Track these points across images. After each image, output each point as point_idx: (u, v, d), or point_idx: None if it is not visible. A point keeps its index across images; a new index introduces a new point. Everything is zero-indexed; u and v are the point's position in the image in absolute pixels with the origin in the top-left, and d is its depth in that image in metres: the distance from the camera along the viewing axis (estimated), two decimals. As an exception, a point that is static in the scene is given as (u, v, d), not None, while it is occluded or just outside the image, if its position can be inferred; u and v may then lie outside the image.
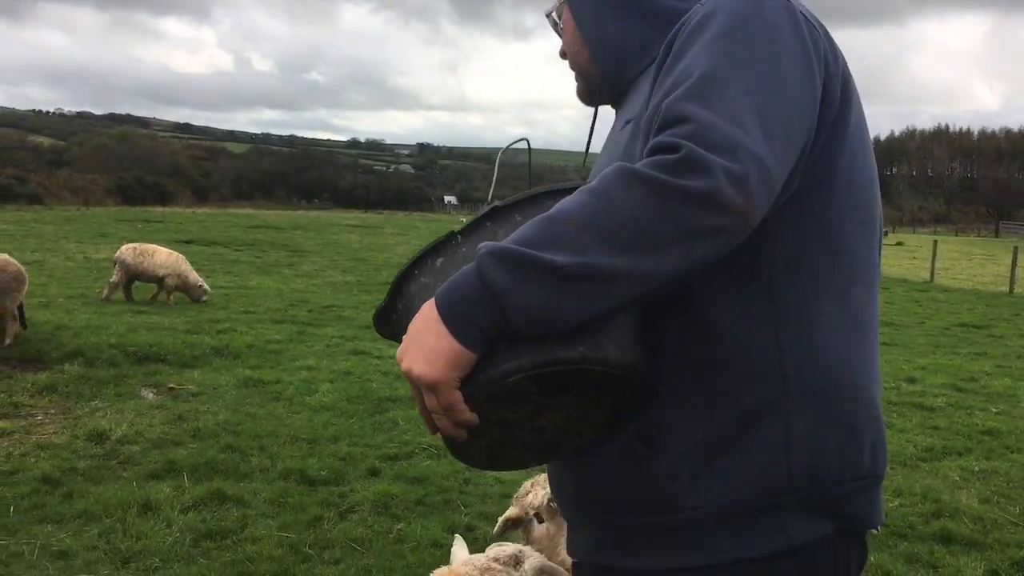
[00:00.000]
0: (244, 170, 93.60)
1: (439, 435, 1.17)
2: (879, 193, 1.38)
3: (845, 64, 1.28)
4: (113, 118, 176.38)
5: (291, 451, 5.67)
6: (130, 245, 12.24)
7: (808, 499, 1.21)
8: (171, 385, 7.27)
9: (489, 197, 1.33)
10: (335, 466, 5.41)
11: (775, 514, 1.20)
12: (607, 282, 1.05)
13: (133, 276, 11.91)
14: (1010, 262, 22.40)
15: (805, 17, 1.23)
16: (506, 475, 5.40)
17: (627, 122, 1.37)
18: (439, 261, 1.20)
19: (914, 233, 69.03)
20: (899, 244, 44.96)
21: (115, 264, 11.85)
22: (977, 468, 6.02)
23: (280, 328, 10.26)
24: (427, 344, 1.08)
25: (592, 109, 1.56)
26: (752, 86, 1.12)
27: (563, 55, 1.56)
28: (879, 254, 1.38)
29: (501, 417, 1.15)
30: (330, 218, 45.37)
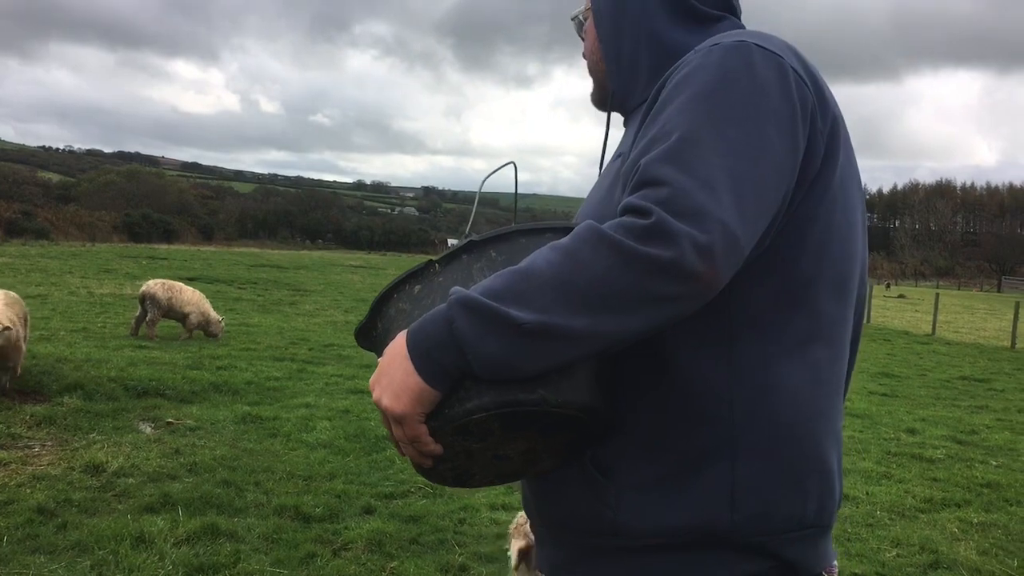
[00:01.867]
0: (250, 209, 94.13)
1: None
2: (864, 246, 1.38)
3: (835, 115, 1.28)
4: (122, 156, 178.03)
5: (286, 487, 5.66)
6: (157, 281, 12.36)
7: (748, 543, 1.23)
8: (169, 419, 7.26)
9: (468, 229, 1.37)
10: (330, 503, 5.38)
11: (716, 551, 1.23)
12: (566, 340, 1.09)
13: (164, 312, 11.98)
14: (1012, 317, 22.39)
15: (796, 72, 1.23)
16: (502, 516, 5.37)
17: (618, 156, 1.41)
18: (417, 288, 1.25)
19: (916, 286, 69.06)
20: (901, 296, 44.96)
21: (144, 300, 11.93)
22: (976, 520, 5.98)
23: (280, 366, 10.27)
24: (396, 378, 1.14)
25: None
26: (730, 150, 1.13)
27: (585, 57, 1.59)
28: (860, 310, 1.40)
29: (466, 447, 1.21)
30: (333, 258, 45.54)
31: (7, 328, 7.10)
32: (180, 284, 12.57)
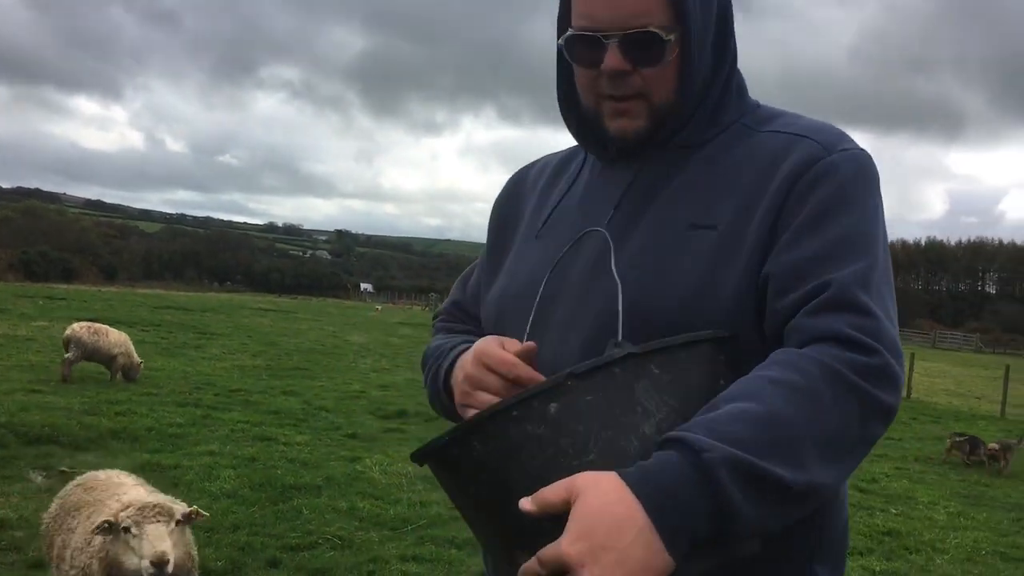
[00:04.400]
0: (155, 249, 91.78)
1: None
2: None
3: None
4: (21, 192, 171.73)
5: (187, 540, 5.42)
6: (83, 324, 11.88)
7: None
8: (63, 468, 6.91)
9: (619, 334, 1.09)
10: (233, 556, 5.18)
11: None
12: (817, 498, 1.00)
13: (88, 355, 11.49)
14: (907, 367, 23.17)
15: None
16: (412, 568, 5.26)
17: (695, 226, 1.22)
18: (553, 407, 1.00)
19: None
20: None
21: (68, 343, 11.41)
22: (878, 568, 6.12)
23: (183, 411, 9.92)
24: (634, 557, 0.90)
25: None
26: (889, 278, 1.16)
27: (625, 71, 1.23)
28: None
29: None
30: (242, 300, 44.59)
31: None
32: (105, 327, 12.12)
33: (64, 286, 42.87)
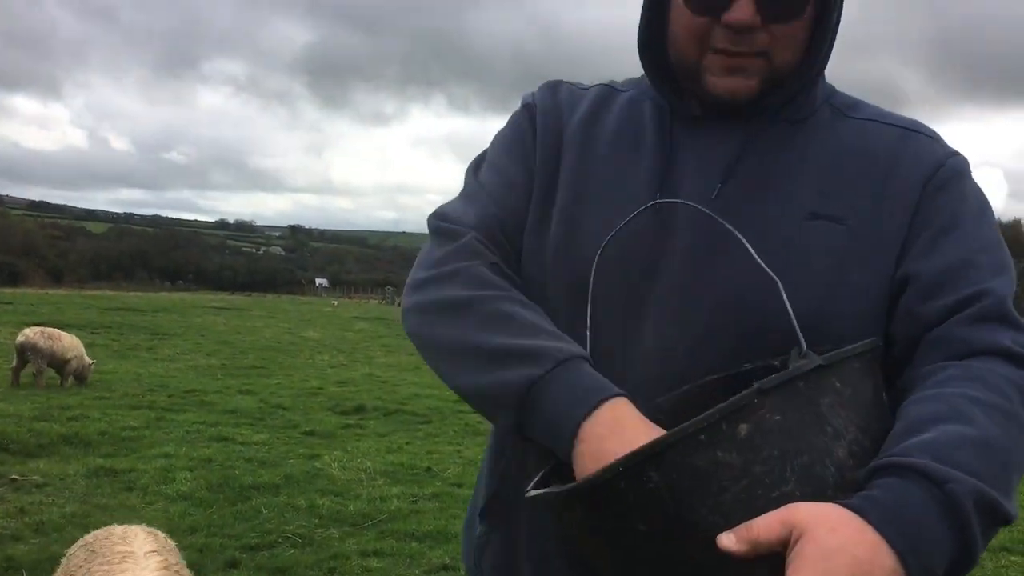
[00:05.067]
0: (103, 250, 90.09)
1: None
2: None
3: None
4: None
5: (144, 544, 5.36)
6: (35, 329, 11.60)
7: None
8: (13, 476, 6.78)
9: (803, 345, 0.97)
10: (191, 559, 5.12)
11: None
12: None
13: (48, 360, 11.24)
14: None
15: None
16: (373, 563, 5.26)
17: (816, 215, 1.12)
18: (743, 429, 0.86)
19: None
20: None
21: (24, 350, 11.14)
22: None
23: (137, 414, 9.77)
24: None
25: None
26: None
27: (753, 27, 1.08)
28: None
29: None
30: (195, 300, 43.97)
31: None
32: (57, 330, 11.89)
33: (10, 290, 41.90)
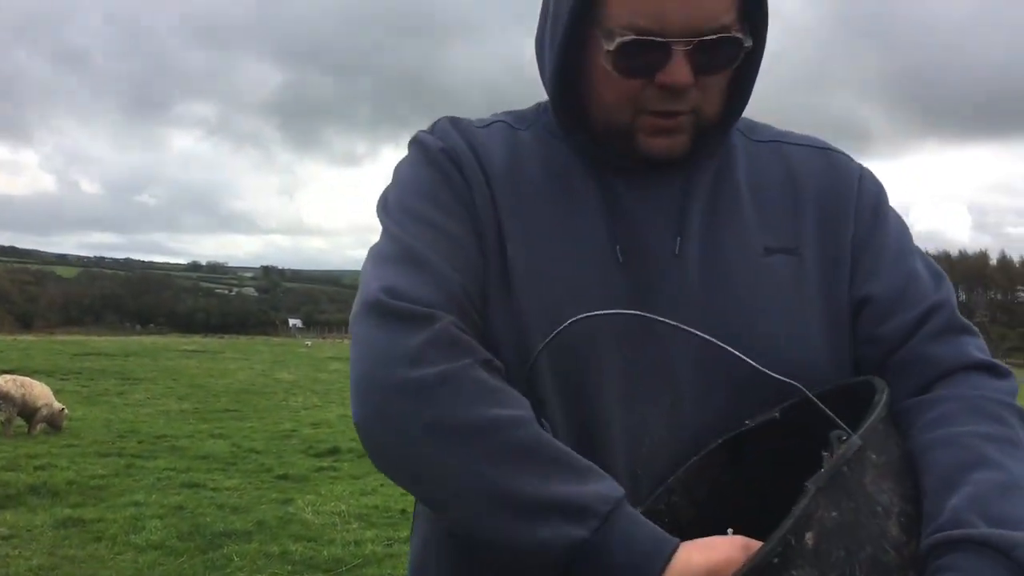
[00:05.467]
0: (74, 295, 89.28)
1: None
2: None
3: None
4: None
5: (112, 596, 5.26)
6: (7, 377, 11.43)
7: None
8: (-22, 529, 6.65)
9: (851, 435, 0.87)
10: (161, 610, 5.04)
11: None
12: None
13: (20, 410, 11.05)
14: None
15: None
16: (347, 610, 5.17)
17: (770, 250, 1.09)
18: (809, 538, 0.80)
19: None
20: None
21: None
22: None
23: (106, 462, 9.61)
24: None
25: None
26: None
27: (685, 88, 1.03)
28: None
29: None
30: (167, 343, 43.56)
31: None
32: (28, 379, 11.75)
33: (-23, 337, 41.29)
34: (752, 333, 1.02)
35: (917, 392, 1.02)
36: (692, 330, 0.93)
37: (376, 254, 1.06)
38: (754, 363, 0.90)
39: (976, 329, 1.07)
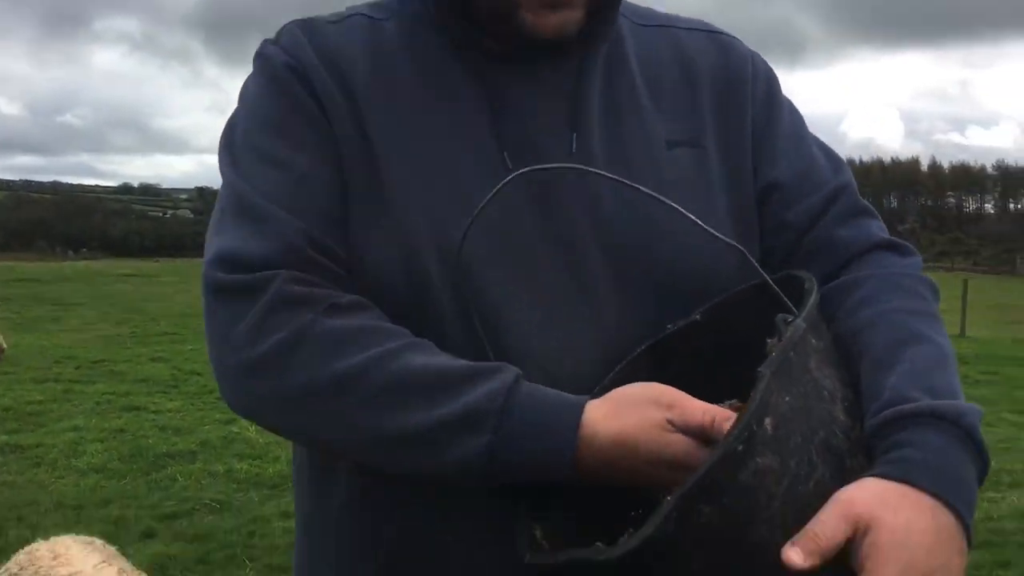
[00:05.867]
0: (0, 220, 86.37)
1: None
2: None
3: None
4: None
5: (54, 519, 5.22)
6: None
7: None
8: (-88, 459, 6.55)
9: (801, 315, 0.84)
10: (106, 531, 5.01)
11: None
12: None
13: None
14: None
15: None
16: (293, 524, 5.24)
17: (673, 143, 1.04)
18: (768, 424, 0.77)
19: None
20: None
21: None
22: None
23: (42, 388, 9.48)
24: (957, 566, 0.78)
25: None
26: None
27: None
28: None
29: None
30: (101, 268, 42.59)
31: None
32: None
33: (-100, 266, 39.92)
34: (662, 235, 0.98)
35: (830, 275, 1.02)
36: (639, 187, 0.90)
37: (216, 210, 1.00)
38: (703, 225, 0.89)
39: (875, 211, 1.08)
